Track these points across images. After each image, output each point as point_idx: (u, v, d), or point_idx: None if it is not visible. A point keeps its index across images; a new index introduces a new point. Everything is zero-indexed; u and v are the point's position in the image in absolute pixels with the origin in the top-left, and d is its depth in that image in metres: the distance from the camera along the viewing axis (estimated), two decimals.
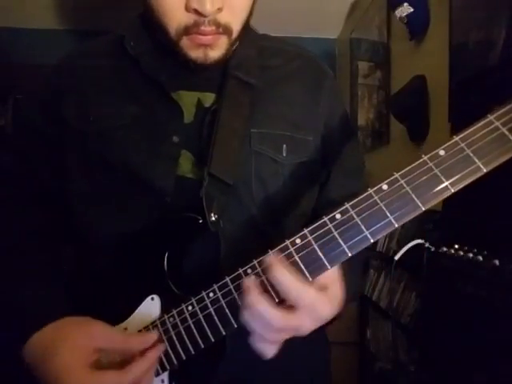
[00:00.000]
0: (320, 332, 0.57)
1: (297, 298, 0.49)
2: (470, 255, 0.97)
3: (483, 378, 0.89)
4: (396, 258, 1.25)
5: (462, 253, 1.00)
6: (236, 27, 0.66)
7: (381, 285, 1.82)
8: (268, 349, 0.52)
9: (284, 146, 0.70)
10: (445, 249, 1.07)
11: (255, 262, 0.53)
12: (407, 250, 1.23)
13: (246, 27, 0.70)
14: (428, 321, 1.21)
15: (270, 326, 0.49)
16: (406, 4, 1.61)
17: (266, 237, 0.68)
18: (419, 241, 1.22)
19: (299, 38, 2.61)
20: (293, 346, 0.53)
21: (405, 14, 1.64)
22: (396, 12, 1.67)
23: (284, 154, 0.70)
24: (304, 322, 0.51)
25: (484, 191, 0.94)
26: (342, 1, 2.50)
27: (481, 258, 0.94)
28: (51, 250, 0.71)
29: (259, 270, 0.52)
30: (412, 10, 1.61)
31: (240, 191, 0.67)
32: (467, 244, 1.00)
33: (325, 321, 0.54)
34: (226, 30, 0.64)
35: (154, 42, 0.71)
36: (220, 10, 0.62)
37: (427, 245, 1.19)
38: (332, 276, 0.53)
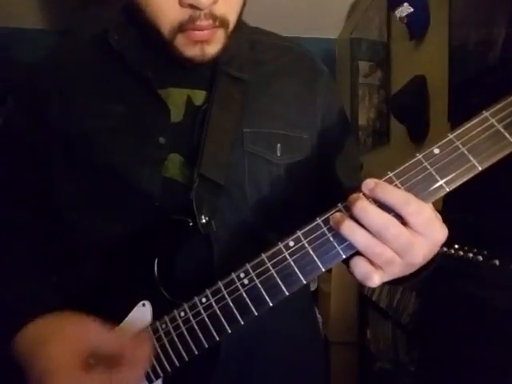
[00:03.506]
0: (318, 333, 0.56)
1: (414, 210, 0.44)
2: (470, 255, 0.96)
3: (483, 377, 0.89)
4: None
5: (461, 253, 1.00)
6: (232, 18, 0.63)
7: (381, 285, 1.82)
8: (373, 273, 0.47)
9: (278, 145, 0.67)
10: (445, 249, 1.07)
11: (248, 266, 0.51)
12: None
13: (238, 20, 0.67)
14: (428, 321, 1.21)
15: (383, 231, 0.45)
16: (406, 4, 1.61)
17: (261, 239, 0.65)
18: None
19: (299, 37, 2.60)
20: (291, 352, 0.52)
21: (405, 14, 1.63)
22: (396, 12, 1.67)
23: (278, 154, 0.67)
24: (417, 240, 0.46)
25: (484, 191, 0.94)
26: (342, 1, 2.49)
27: (481, 257, 0.93)
28: (45, 254, 0.69)
29: (253, 274, 0.51)
30: (412, 9, 1.61)
31: (232, 193, 0.65)
32: (467, 244, 1.00)
33: (436, 249, 0.48)
34: (223, 23, 0.62)
35: (140, 37, 0.69)
36: (215, 1, 0.59)
37: None
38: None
